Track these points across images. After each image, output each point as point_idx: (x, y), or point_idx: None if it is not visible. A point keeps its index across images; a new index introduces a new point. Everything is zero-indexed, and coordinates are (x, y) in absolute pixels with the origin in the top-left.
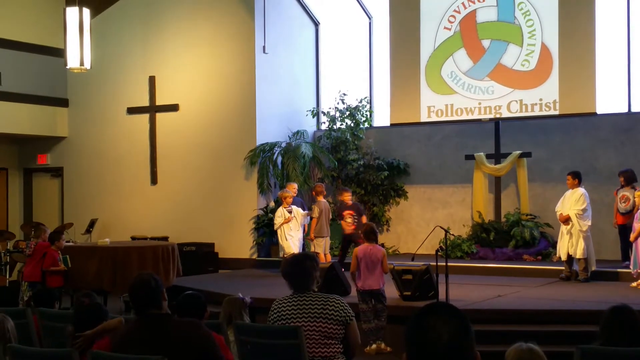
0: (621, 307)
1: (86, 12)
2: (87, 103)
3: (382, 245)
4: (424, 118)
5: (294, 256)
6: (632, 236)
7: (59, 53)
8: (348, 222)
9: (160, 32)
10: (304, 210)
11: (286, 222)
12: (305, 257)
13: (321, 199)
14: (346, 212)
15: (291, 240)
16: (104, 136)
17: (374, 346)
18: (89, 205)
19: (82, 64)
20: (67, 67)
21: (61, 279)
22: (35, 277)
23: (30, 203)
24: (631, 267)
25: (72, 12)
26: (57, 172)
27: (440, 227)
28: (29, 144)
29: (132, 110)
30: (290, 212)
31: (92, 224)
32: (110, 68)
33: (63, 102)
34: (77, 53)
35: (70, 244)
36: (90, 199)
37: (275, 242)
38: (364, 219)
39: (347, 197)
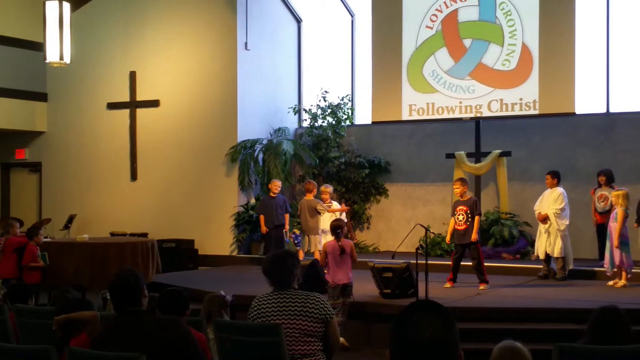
0: (610, 308)
1: (66, 5)
2: (66, 98)
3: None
4: (405, 116)
5: (275, 253)
6: (615, 242)
7: (39, 47)
8: (459, 221)
9: (141, 27)
10: (288, 208)
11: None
12: (286, 255)
13: (309, 196)
14: (460, 208)
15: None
16: (83, 131)
17: (341, 339)
18: (68, 200)
19: (61, 58)
20: (47, 61)
21: (39, 275)
22: (9, 274)
23: (7, 198)
24: (606, 266)
25: (52, 6)
26: (35, 167)
27: (421, 225)
28: (7, 139)
29: (112, 106)
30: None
31: (70, 219)
32: (90, 63)
33: (42, 97)
34: (57, 47)
35: (49, 239)
36: (69, 194)
37: (255, 238)
38: (477, 221)
39: (461, 189)
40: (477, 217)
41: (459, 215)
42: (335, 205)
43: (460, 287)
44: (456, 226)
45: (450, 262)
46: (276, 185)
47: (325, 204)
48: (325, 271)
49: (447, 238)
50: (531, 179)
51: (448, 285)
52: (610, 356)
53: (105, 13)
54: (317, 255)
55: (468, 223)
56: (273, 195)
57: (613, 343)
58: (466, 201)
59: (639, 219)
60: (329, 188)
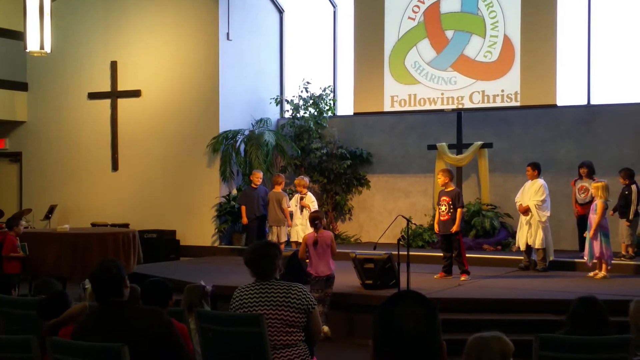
0: (589, 298)
1: None
2: (47, 87)
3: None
4: (387, 107)
5: (257, 244)
6: (590, 233)
7: (19, 36)
8: (442, 212)
9: (122, 17)
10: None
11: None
12: (268, 245)
13: (277, 189)
14: (442, 199)
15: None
16: (64, 121)
17: (325, 328)
18: (49, 191)
19: (42, 47)
20: (27, 50)
21: (19, 266)
22: None
23: None
24: (586, 258)
25: None
26: (15, 157)
27: (402, 216)
28: None
29: (93, 96)
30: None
31: (51, 210)
32: (71, 52)
33: (22, 86)
34: (37, 36)
35: (28, 229)
36: (50, 184)
37: (237, 229)
38: (459, 213)
39: (442, 179)
40: (459, 210)
41: (442, 205)
42: (309, 197)
43: (441, 278)
44: (440, 217)
45: (432, 254)
46: (258, 177)
47: (300, 196)
48: (307, 261)
49: (435, 227)
50: (512, 171)
51: (438, 276)
52: (589, 346)
53: (86, 2)
54: (282, 247)
55: (450, 214)
56: (255, 186)
57: (592, 333)
58: (449, 192)
59: (619, 210)
60: (303, 180)
